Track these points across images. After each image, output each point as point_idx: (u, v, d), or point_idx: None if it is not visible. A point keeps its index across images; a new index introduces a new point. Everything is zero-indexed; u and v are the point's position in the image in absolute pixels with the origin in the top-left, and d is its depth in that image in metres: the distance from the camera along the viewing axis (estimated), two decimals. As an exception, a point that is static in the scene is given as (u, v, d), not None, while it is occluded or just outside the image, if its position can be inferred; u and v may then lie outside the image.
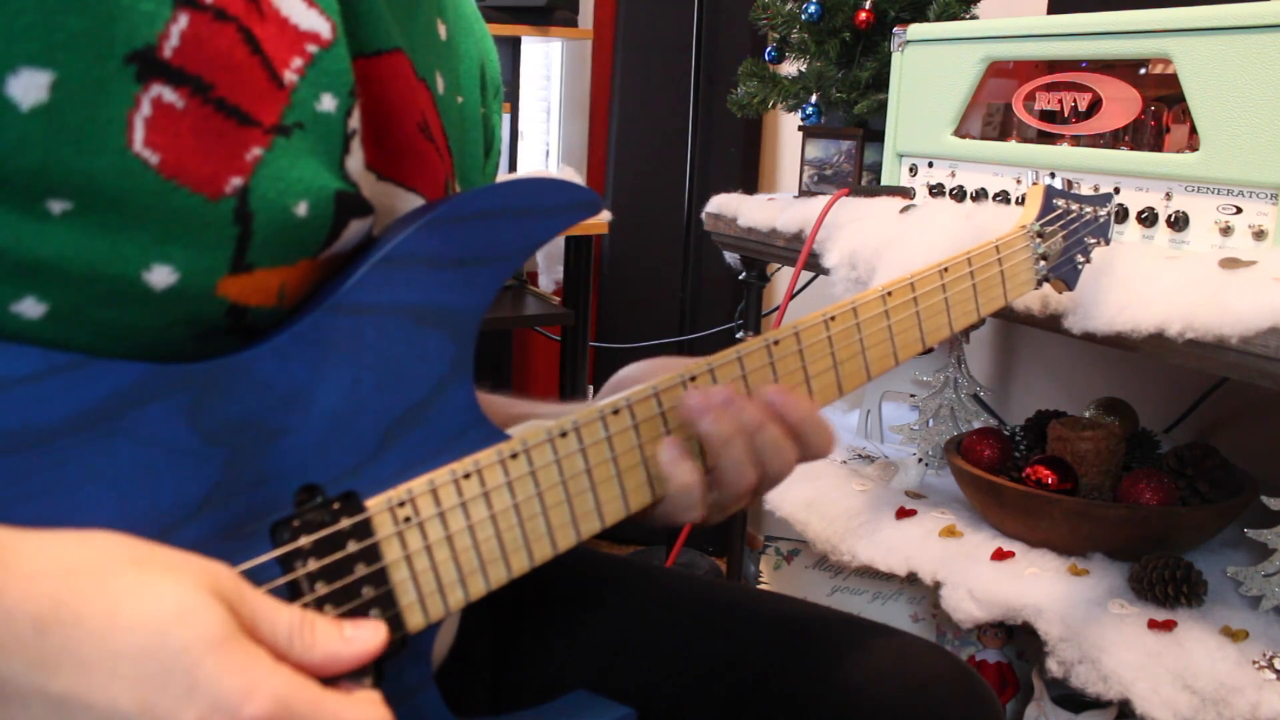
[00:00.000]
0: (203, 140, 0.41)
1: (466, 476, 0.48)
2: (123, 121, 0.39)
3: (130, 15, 0.39)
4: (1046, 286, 0.83)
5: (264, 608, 0.39)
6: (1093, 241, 0.85)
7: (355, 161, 0.48)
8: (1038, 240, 0.78)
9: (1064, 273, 0.82)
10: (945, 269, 0.68)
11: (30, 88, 0.37)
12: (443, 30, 0.60)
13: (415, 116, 0.53)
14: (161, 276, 0.41)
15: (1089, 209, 0.85)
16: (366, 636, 0.42)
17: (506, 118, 2.04)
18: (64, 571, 0.35)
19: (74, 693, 0.34)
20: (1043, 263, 0.78)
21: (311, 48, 0.45)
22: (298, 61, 0.44)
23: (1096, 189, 1.05)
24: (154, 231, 0.41)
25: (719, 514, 0.58)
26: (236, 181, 0.42)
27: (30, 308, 0.39)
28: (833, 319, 0.61)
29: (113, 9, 0.38)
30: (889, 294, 0.64)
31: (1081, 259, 0.84)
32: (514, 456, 0.50)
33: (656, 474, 0.55)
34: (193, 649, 0.35)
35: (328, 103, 0.46)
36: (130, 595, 0.35)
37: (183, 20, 0.40)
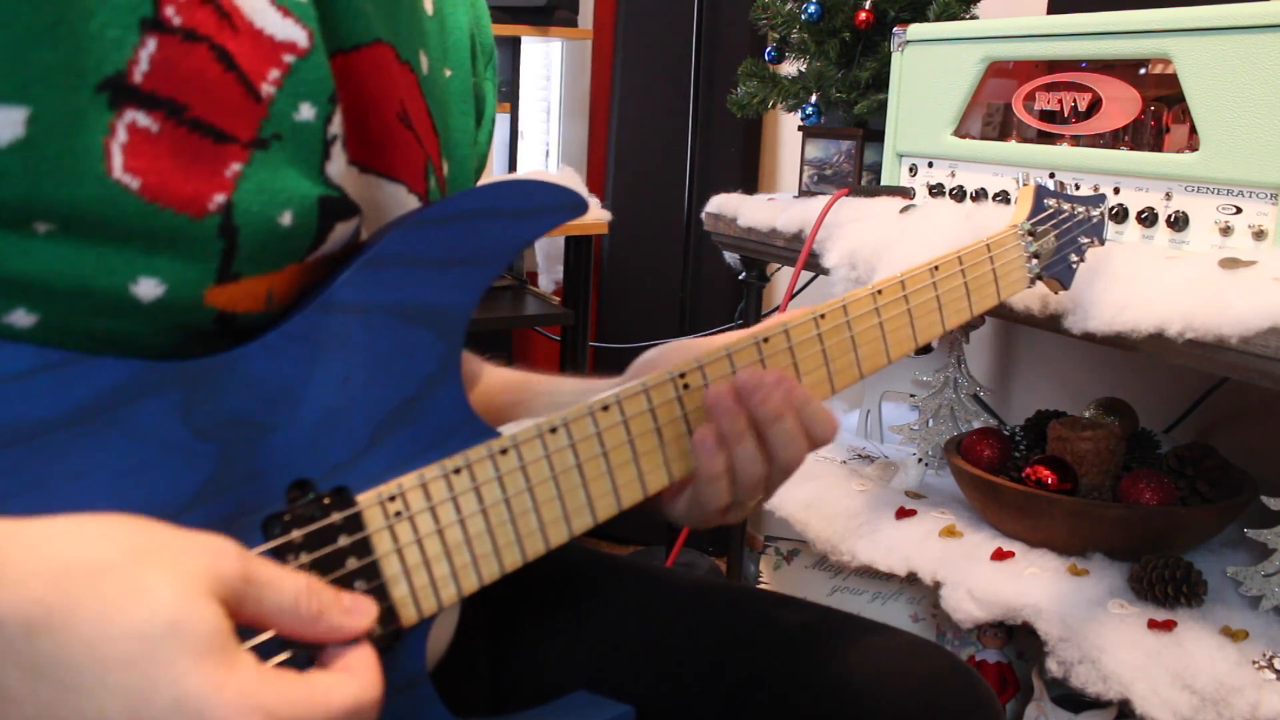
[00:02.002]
0: (181, 161, 0.41)
1: (456, 471, 0.49)
2: (100, 150, 0.39)
3: (98, 44, 0.39)
4: (1044, 286, 0.83)
5: (271, 581, 0.39)
6: (1086, 241, 0.85)
7: (336, 166, 0.48)
8: (1029, 239, 0.78)
9: (1057, 272, 0.82)
10: (936, 267, 0.68)
11: (6, 124, 0.37)
12: (429, 4, 0.60)
13: (394, 107, 0.54)
14: (148, 289, 0.42)
15: (1080, 209, 0.85)
16: (363, 611, 0.43)
17: (506, 118, 2.05)
18: (56, 573, 0.35)
19: (63, 698, 0.34)
20: (1034, 261, 0.79)
21: (288, 57, 0.45)
22: (274, 73, 0.44)
23: (1096, 189, 1.04)
24: (139, 247, 0.41)
25: (736, 512, 0.59)
26: (220, 198, 0.43)
27: (21, 318, 0.40)
28: (822, 317, 0.61)
29: (80, 39, 0.38)
30: (879, 292, 0.64)
31: (1075, 258, 0.84)
32: (504, 452, 0.50)
33: (676, 458, 0.56)
34: (179, 663, 0.35)
35: (306, 112, 0.46)
36: (122, 600, 0.35)
37: (151, 45, 0.40)
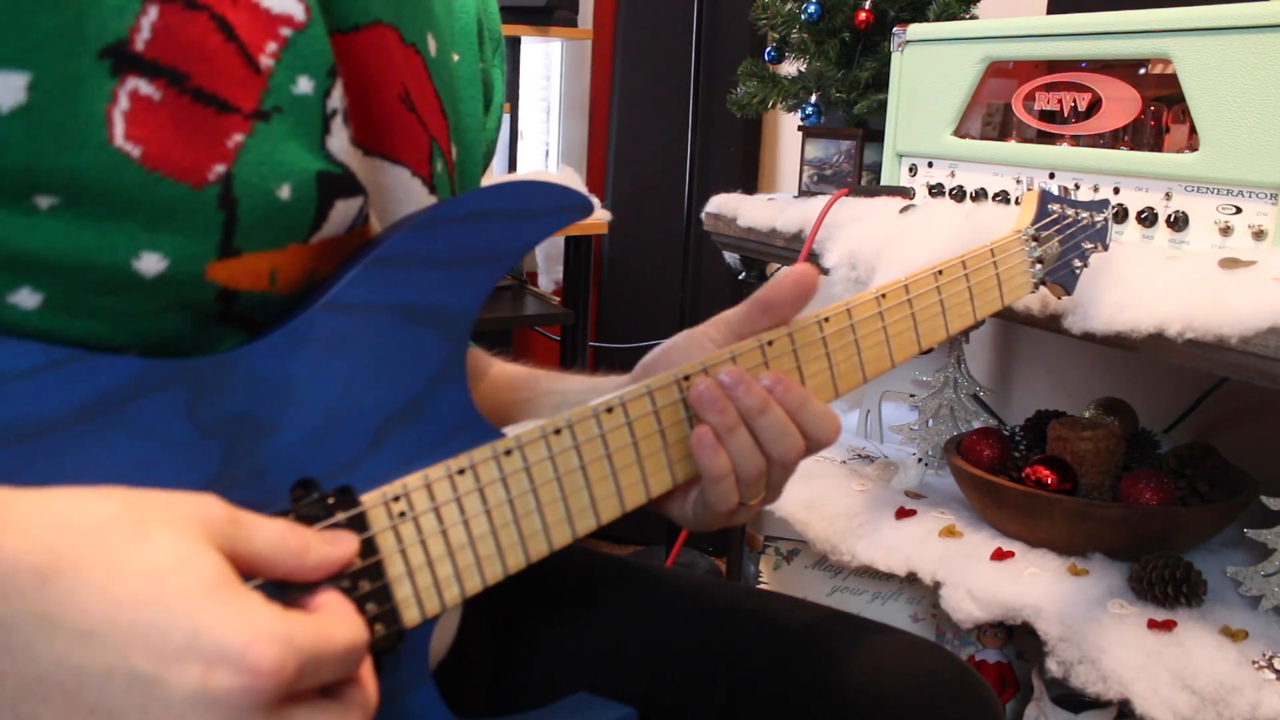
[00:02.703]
0: (183, 130, 0.42)
1: (460, 472, 0.49)
2: (102, 117, 0.39)
3: (99, 10, 0.39)
4: (1044, 289, 0.83)
5: (256, 522, 0.41)
6: (1090, 247, 0.85)
7: (338, 141, 0.48)
8: (1033, 244, 0.78)
9: (1061, 277, 0.82)
10: (940, 272, 0.68)
11: (8, 90, 0.37)
12: None
13: (395, 88, 0.54)
14: (151, 264, 0.42)
15: (1085, 214, 0.85)
16: (344, 540, 0.44)
17: (506, 118, 2.05)
18: (60, 526, 0.36)
19: (81, 648, 0.35)
20: (1038, 266, 0.79)
21: (285, 30, 0.45)
22: (272, 45, 0.45)
23: (1096, 189, 1.04)
24: (141, 221, 0.41)
25: (741, 514, 0.59)
26: (220, 169, 0.43)
27: (26, 298, 0.40)
28: (826, 320, 0.61)
29: (82, 6, 0.38)
30: (883, 296, 0.64)
31: (1079, 264, 0.84)
32: (508, 453, 0.50)
33: (680, 460, 0.56)
34: (190, 595, 0.35)
35: (304, 85, 0.46)
36: (127, 545, 0.36)
37: (152, 12, 0.40)
